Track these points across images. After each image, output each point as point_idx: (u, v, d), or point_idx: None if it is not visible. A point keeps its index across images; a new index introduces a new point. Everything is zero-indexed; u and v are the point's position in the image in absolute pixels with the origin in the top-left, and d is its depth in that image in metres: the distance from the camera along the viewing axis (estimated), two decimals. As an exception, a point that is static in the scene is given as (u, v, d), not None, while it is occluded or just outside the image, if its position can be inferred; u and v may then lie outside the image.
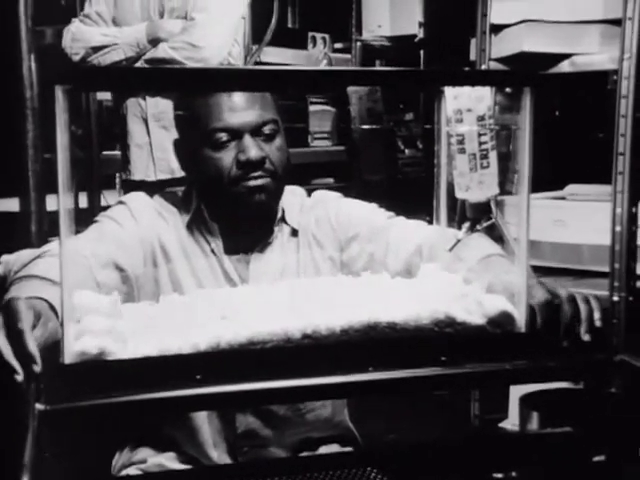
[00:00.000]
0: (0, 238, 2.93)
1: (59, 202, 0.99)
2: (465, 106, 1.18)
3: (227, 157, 1.49)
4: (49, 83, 0.95)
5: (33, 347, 1.02)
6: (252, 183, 1.49)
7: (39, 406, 0.93)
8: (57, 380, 0.99)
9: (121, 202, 1.58)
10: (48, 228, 2.85)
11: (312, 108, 4.05)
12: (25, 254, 1.35)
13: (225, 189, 1.50)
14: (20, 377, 0.99)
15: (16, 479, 0.84)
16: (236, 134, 1.49)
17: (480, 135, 1.19)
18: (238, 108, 1.49)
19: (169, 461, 1.55)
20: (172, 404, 1.01)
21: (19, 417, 0.94)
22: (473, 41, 2.58)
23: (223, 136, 1.49)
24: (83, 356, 1.00)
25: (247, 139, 1.49)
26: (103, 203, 3.46)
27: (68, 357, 0.99)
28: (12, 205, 2.98)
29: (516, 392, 2.15)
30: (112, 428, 1.55)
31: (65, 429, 0.97)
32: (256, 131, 1.50)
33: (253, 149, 1.48)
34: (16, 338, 1.02)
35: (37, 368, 1.00)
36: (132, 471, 1.54)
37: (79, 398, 0.96)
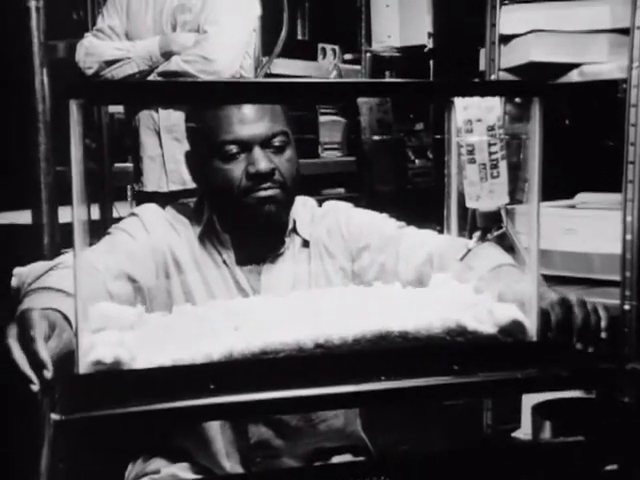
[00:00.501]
0: (12, 250, 2.95)
1: (73, 214, 1.00)
2: (475, 116, 1.18)
3: (237, 169, 1.50)
4: (64, 97, 0.96)
5: (45, 355, 1.03)
6: (262, 194, 1.50)
7: (54, 416, 0.94)
8: (72, 390, 1.00)
9: (133, 214, 1.59)
10: (60, 240, 2.87)
11: (322, 119, 4.05)
12: (38, 266, 1.36)
13: (235, 200, 1.51)
14: (36, 387, 1.00)
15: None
16: (246, 146, 1.50)
17: (490, 145, 1.20)
18: (248, 120, 1.50)
19: (182, 471, 1.55)
20: (186, 414, 1.02)
21: (34, 427, 0.95)
22: (482, 51, 2.59)
23: (233, 148, 1.50)
24: (98, 366, 1.01)
25: (257, 151, 1.50)
26: (115, 215, 3.47)
27: (82, 367, 1.00)
28: (24, 217, 3.00)
29: (528, 402, 2.15)
30: (126, 438, 1.56)
31: (80, 439, 0.97)
32: (266, 143, 1.51)
33: (262, 161, 1.49)
34: (29, 347, 1.04)
35: (48, 374, 1.01)
36: (146, 481, 1.55)
37: (94, 408, 0.96)
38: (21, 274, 1.35)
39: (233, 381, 1.02)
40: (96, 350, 1.01)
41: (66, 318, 1.16)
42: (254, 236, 1.56)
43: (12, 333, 1.07)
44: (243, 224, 1.54)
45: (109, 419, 0.95)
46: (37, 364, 1.02)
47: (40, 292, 1.25)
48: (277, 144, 1.52)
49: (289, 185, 1.53)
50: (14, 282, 1.35)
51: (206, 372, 1.02)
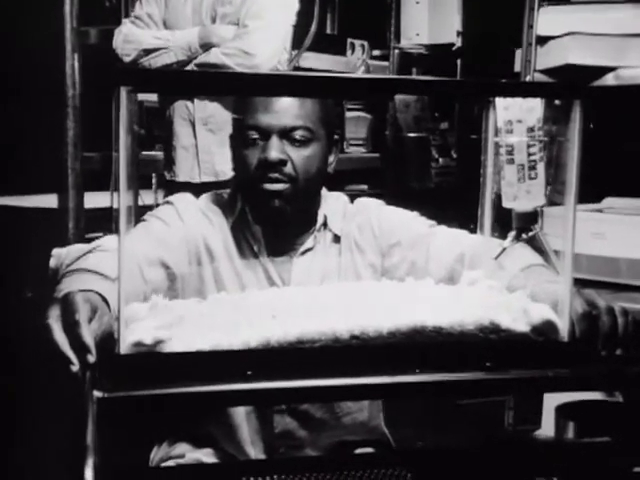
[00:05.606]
0: (39, 233, 2.98)
1: (119, 200, 1.02)
2: (516, 117, 1.19)
3: (253, 156, 1.51)
4: (115, 84, 0.97)
5: (89, 339, 1.04)
6: (268, 187, 1.50)
7: (97, 393, 0.96)
8: (113, 369, 1.01)
9: (168, 202, 1.61)
10: (85, 225, 2.90)
11: (348, 114, 4.05)
12: (76, 248, 1.38)
13: (249, 188, 1.53)
14: (76, 368, 1.02)
15: (81, 460, 0.86)
16: (264, 134, 1.50)
17: (529, 146, 1.21)
18: (272, 109, 1.50)
19: (206, 457, 1.57)
20: (224, 397, 1.03)
21: (75, 406, 0.97)
22: (518, 52, 2.58)
23: (253, 134, 1.51)
24: (138, 347, 1.02)
25: (273, 140, 1.50)
26: (140, 203, 3.49)
27: (123, 348, 1.02)
28: (51, 201, 3.03)
29: (549, 403, 2.15)
30: (158, 420, 1.58)
31: (118, 418, 0.99)
32: (284, 134, 1.50)
33: (274, 150, 1.49)
34: (73, 330, 1.06)
35: (92, 359, 1.03)
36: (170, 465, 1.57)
37: (135, 387, 0.98)
38: (60, 255, 1.36)
39: (270, 368, 1.04)
40: (137, 332, 1.03)
41: (104, 300, 1.18)
42: (278, 228, 1.58)
43: (53, 314, 1.08)
44: (258, 214, 1.56)
45: (150, 399, 0.97)
46: (80, 347, 1.03)
47: (78, 273, 1.27)
48: (298, 137, 1.51)
49: (302, 181, 1.51)
50: (52, 263, 1.36)
51: (244, 358, 1.04)
